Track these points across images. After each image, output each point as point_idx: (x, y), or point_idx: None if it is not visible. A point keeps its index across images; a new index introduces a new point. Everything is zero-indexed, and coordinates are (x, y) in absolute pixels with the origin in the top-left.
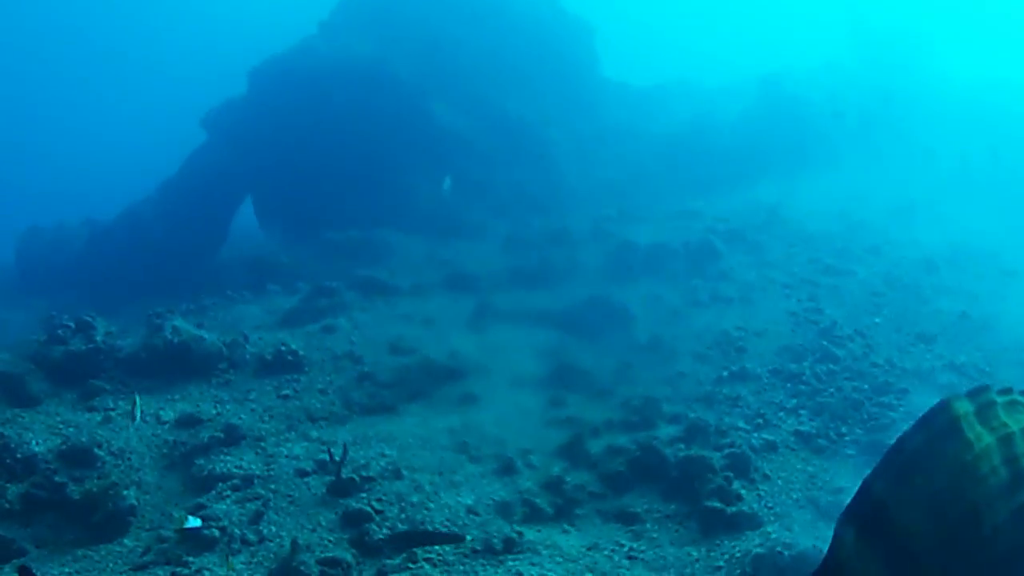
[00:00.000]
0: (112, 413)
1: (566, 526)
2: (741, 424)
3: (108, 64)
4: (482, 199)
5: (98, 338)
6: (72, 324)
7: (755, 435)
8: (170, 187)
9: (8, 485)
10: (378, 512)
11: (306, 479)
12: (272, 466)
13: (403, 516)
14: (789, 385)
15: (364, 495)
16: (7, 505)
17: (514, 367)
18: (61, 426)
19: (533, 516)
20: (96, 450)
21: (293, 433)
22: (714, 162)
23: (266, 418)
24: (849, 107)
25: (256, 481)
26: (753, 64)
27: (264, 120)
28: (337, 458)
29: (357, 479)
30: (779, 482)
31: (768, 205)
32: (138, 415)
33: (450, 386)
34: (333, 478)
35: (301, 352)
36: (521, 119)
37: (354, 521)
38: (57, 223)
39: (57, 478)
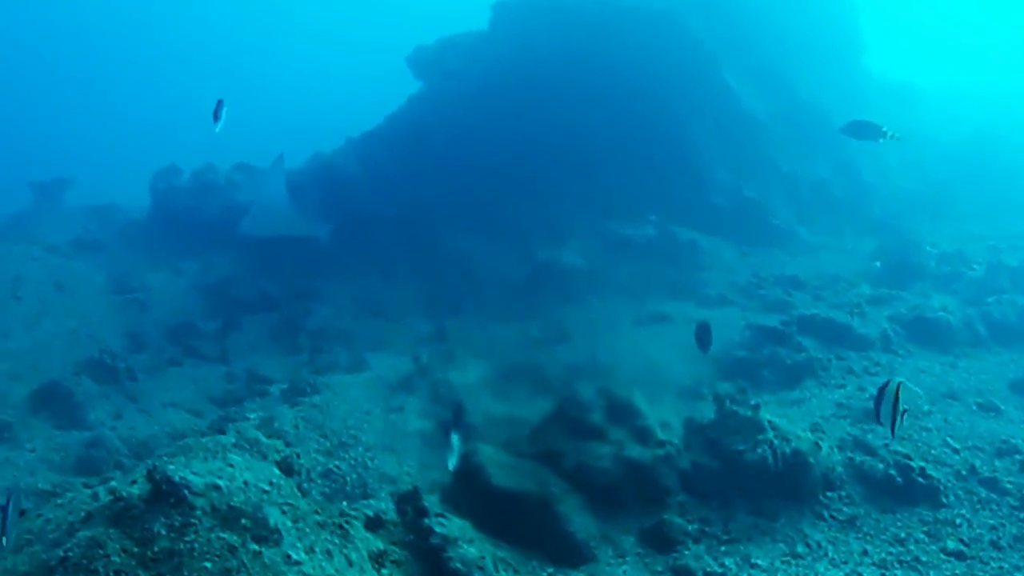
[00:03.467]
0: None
1: None
2: None
3: None
4: (790, 199)
5: (654, 429)
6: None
7: None
8: (379, 139)
9: None
10: None
11: None
12: None
13: None
14: None
15: None
16: None
17: None
18: None
19: None
20: None
21: None
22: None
23: None
24: None
25: None
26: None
27: (509, 65)
28: None
29: None
30: None
31: None
32: None
33: None
34: None
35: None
36: (816, 104)
37: None
38: (204, 164)
39: None
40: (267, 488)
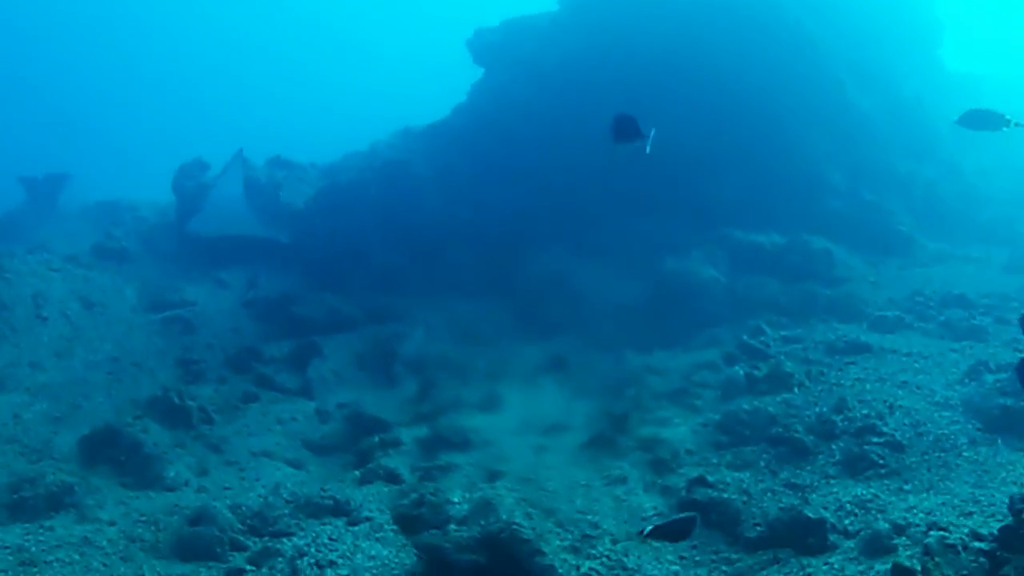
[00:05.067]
0: None
1: None
2: None
3: None
4: (906, 202)
5: None
6: None
7: None
8: (446, 134)
9: None
10: None
11: None
12: None
13: None
14: None
15: None
16: None
17: None
18: None
19: None
20: None
21: None
22: None
23: None
24: None
25: None
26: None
27: (592, 53)
28: None
29: None
30: None
31: None
32: None
33: None
34: None
35: None
36: (915, 101)
37: None
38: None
39: None
40: None
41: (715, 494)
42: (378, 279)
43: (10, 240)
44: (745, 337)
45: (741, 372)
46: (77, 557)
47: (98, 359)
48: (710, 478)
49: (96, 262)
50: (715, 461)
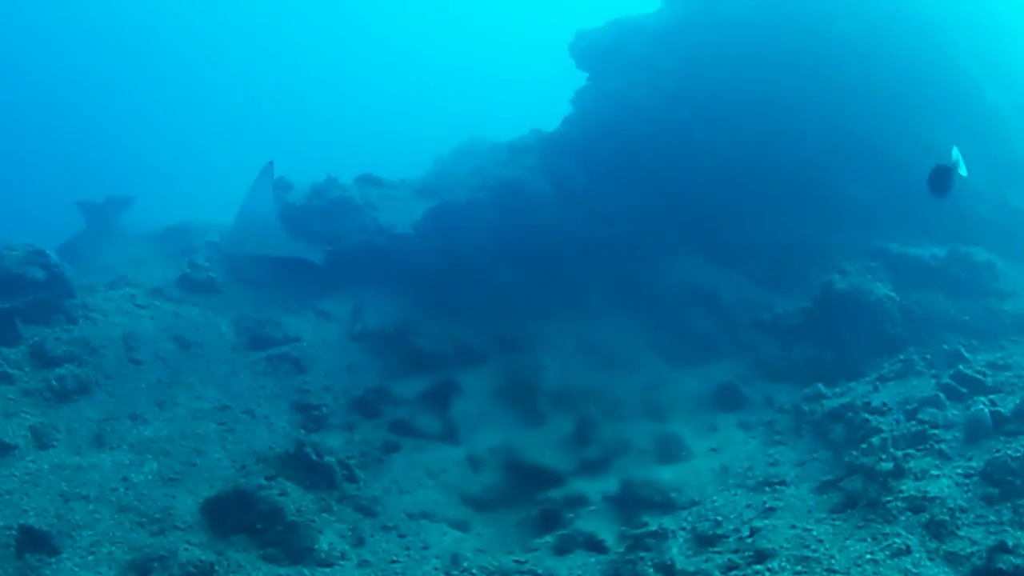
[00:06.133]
0: None
1: None
2: None
3: None
4: None
5: None
6: None
7: None
8: (561, 147)
9: None
10: None
11: None
12: None
13: None
14: None
15: None
16: None
17: None
18: None
19: None
20: None
21: None
22: None
23: None
24: None
25: None
26: None
27: (714, 54)
28: None
29: None
30: None
31: None
32: None
33: None
34: None
35: None
36: None
37: None
38: (326, 179)
39: None
40: None
41: (1019, 561)
42: (500, 303)
43: (75, 269)
44: (961, 367)
45: (986, 410)
46: None
47: (205, 407)
48: (1010, 542)
49: (184, 295)
50: (994, 519)
